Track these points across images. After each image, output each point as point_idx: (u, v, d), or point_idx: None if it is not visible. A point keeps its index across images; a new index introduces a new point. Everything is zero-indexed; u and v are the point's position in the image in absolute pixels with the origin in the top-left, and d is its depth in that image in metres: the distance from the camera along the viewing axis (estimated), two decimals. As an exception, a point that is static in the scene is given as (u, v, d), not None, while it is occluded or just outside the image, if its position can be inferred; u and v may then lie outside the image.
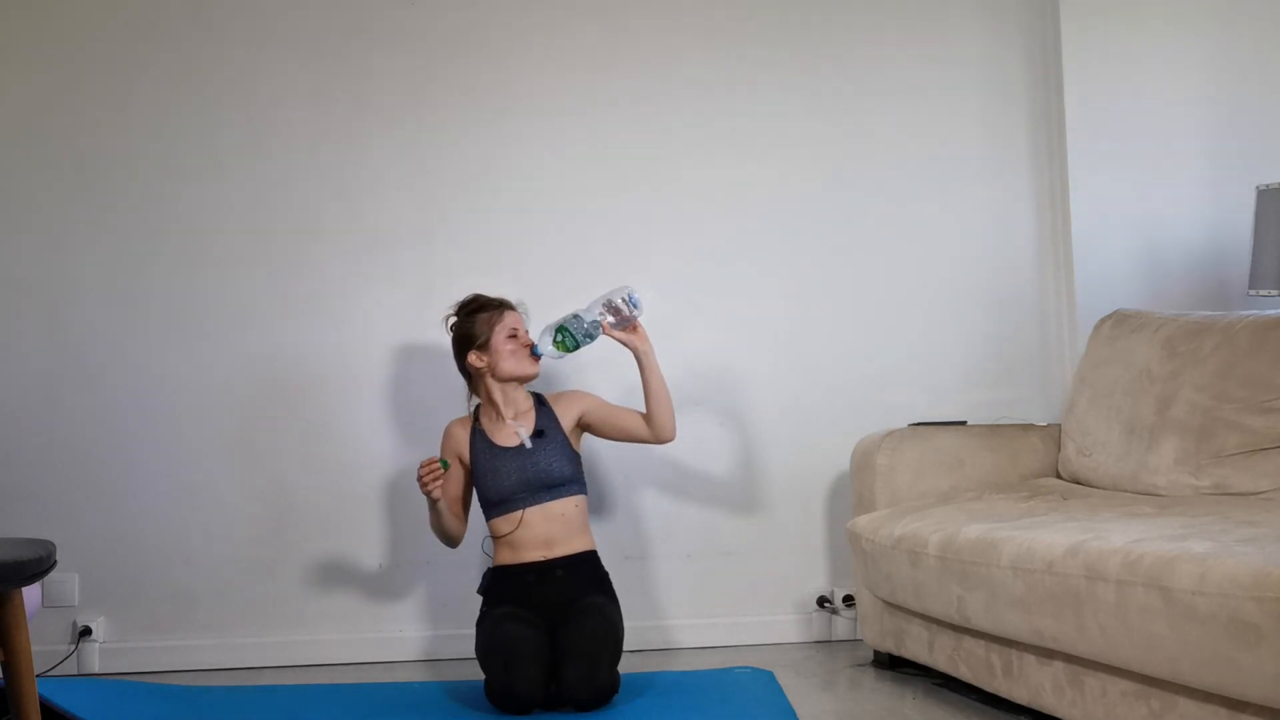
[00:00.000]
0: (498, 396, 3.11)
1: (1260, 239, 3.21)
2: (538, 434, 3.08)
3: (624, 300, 3.01)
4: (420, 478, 2.92)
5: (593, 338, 3.03)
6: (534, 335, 3.10)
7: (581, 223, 3.63)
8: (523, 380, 3.12)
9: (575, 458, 3.12)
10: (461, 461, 3.13)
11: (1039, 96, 3.73)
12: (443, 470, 2.93)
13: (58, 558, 2.22)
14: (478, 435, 3.11)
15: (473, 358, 3.11)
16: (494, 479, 3.05)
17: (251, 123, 3.59)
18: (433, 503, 3.01)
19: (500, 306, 3.12)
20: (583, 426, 3.17)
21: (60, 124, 3.55)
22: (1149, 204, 3.60)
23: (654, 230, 3.64)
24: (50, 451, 3.49)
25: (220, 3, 3.60)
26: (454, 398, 3.34)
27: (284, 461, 3.54)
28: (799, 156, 3.68)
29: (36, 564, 2.11)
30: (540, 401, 3.16)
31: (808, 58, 3.70)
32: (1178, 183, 3.61)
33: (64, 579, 3.43)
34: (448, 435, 3.16)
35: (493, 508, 3.07)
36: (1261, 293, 3.19)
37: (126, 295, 3.54)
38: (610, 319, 3.02)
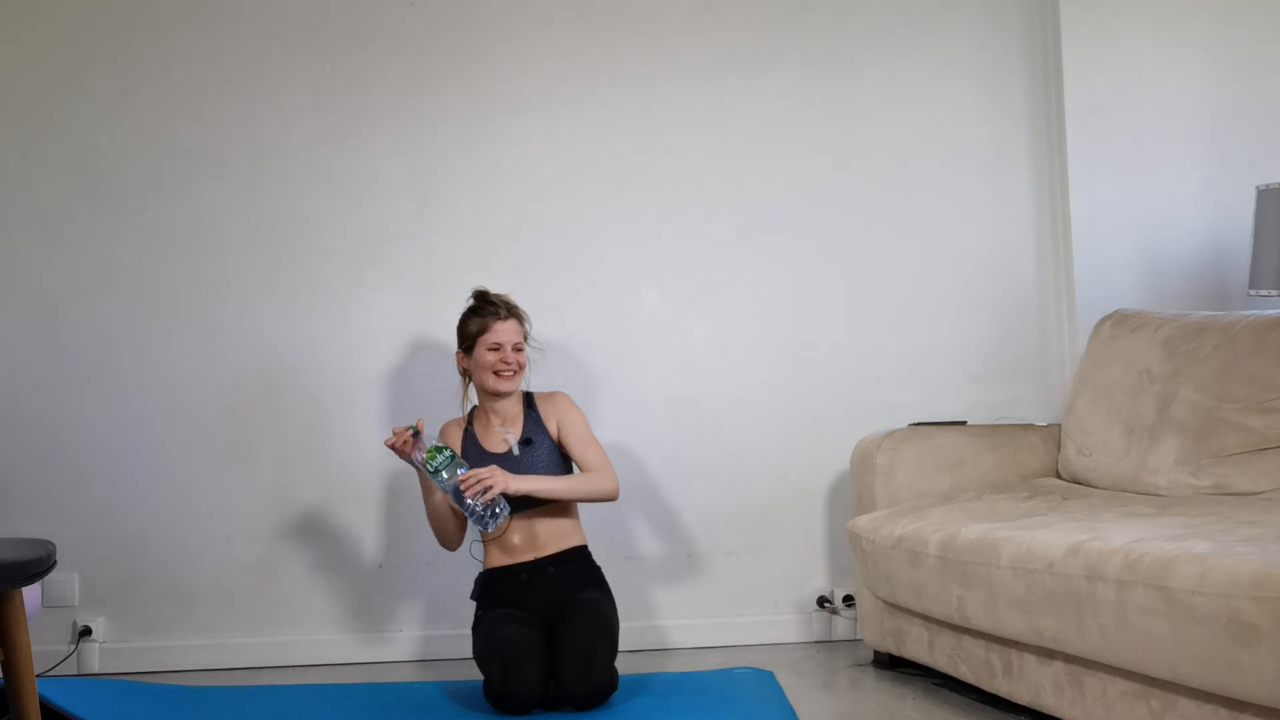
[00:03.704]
0: (484, 400, 3.11)
1: (1260, 239, 3.21)
2: (526, 442, 3.06)
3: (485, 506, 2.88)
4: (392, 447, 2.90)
5: (446, 472, 2.88)
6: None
7: (581, 222, 3.63)
8: (495, 395, 3.09)
9: (563, 460, 3.10)
10: None
11: (1039, 96, 3.73)
12: (411, 436, 2.89)
13: (58, 558, 2.22)
14: (469, 438, 3.11)
15: (459, 356, 3.12)
16: None
17: (251, 122, 3.58)
18: (425, 486, 3.01)
19: (492, 315, 3.06)
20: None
21: (60, 123, 3.55)
22: (1149, 204, 3.60)
23: (654, 230, 3.64)
24: (50, 451, 3.49)
25: (221, 2, 3.60)
26: (453, 396, 3.35)
27: (284, 461, 3.53)
28: (799, 156, 3.68)
29: (36, 564, 2.11)
30: (529, 403, 3.14)
31: (808, 58, 3.70)
32: (1178, 183, 3.61)
33: (64, 579, 3.43)
34: (442, 435, 3.16)
35: None
36: (1261, 293, 3.19)
37: (126, 295, 3.54)
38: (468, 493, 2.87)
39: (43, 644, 3.31)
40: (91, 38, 3.57)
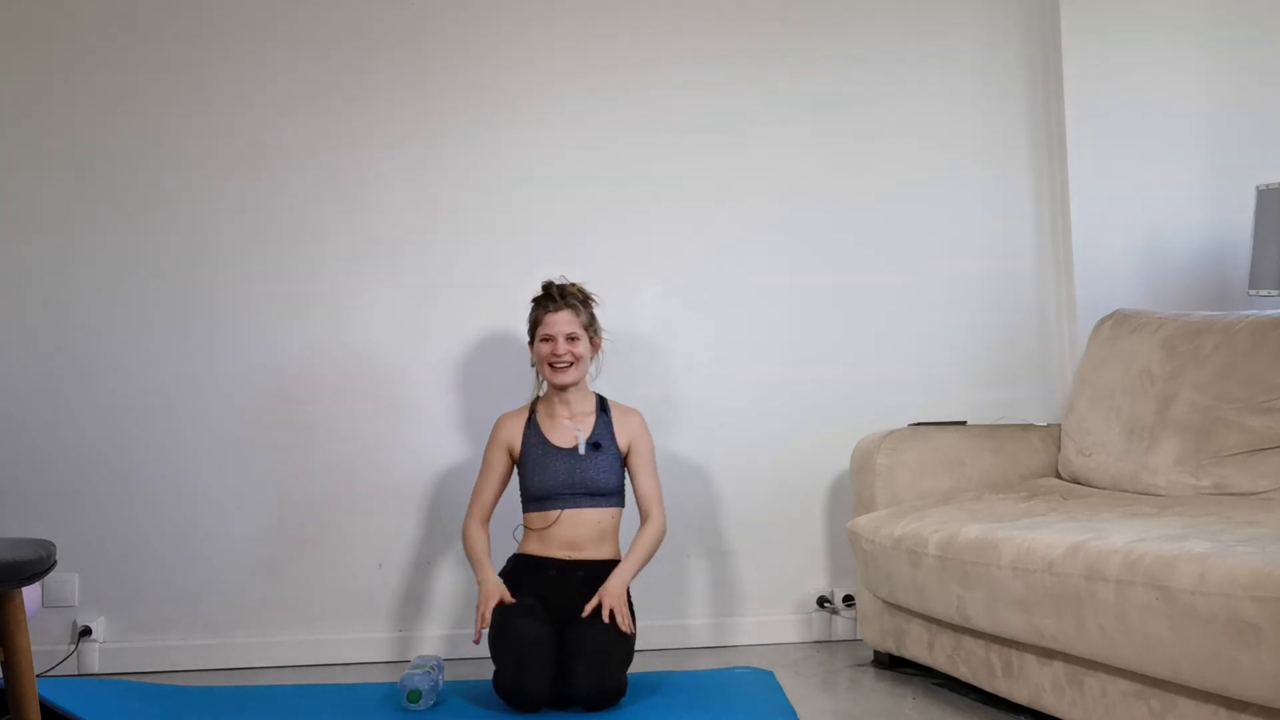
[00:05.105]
0: (553, 392, 3.12)
1: (1260, 239, 3.21)
2: (594, 446, 3.07)
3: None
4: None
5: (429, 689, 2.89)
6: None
7: (582, 223, 3.62)
8: (555, 387, 3.10)
9: (621, 473, 3.12)
10: (510, 453, 3.13)
11: (1039, 97, 3.73)
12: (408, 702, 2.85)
13: (58, 558, 2.22)
14: (532, 427, 3.11)
15: (531, 350, 3.14)
16: (541, 474, 3.05)
17: (252, 123, 3.58)
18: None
19: (543, 307, 3.10)
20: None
21: (61, 124, 3.55)
22: (1149, 204, 3.60)
23: (654, 230, 3.64)
24: (50, 451, 3.49)
25: (221, 3, 3.60)
26: (454, 398, 3.35)
27: (284, 461, 3.53)
28: (800, 157, 3.68)
29: (36, 564, 2.11)
30: (603, 407, 3.15)
31: (810, 61, 3.69)
32: (1178, 183, 3.61)
33: (64, 579, 3.43)
34: (499, 426, 3.16)
35: (533, 501, 3.07)
36: (1261, 293, 3.19)
37: (127, 295, 3.54)
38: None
39: (43, 644, 3.31)
40: (92, 39, 3.56)
